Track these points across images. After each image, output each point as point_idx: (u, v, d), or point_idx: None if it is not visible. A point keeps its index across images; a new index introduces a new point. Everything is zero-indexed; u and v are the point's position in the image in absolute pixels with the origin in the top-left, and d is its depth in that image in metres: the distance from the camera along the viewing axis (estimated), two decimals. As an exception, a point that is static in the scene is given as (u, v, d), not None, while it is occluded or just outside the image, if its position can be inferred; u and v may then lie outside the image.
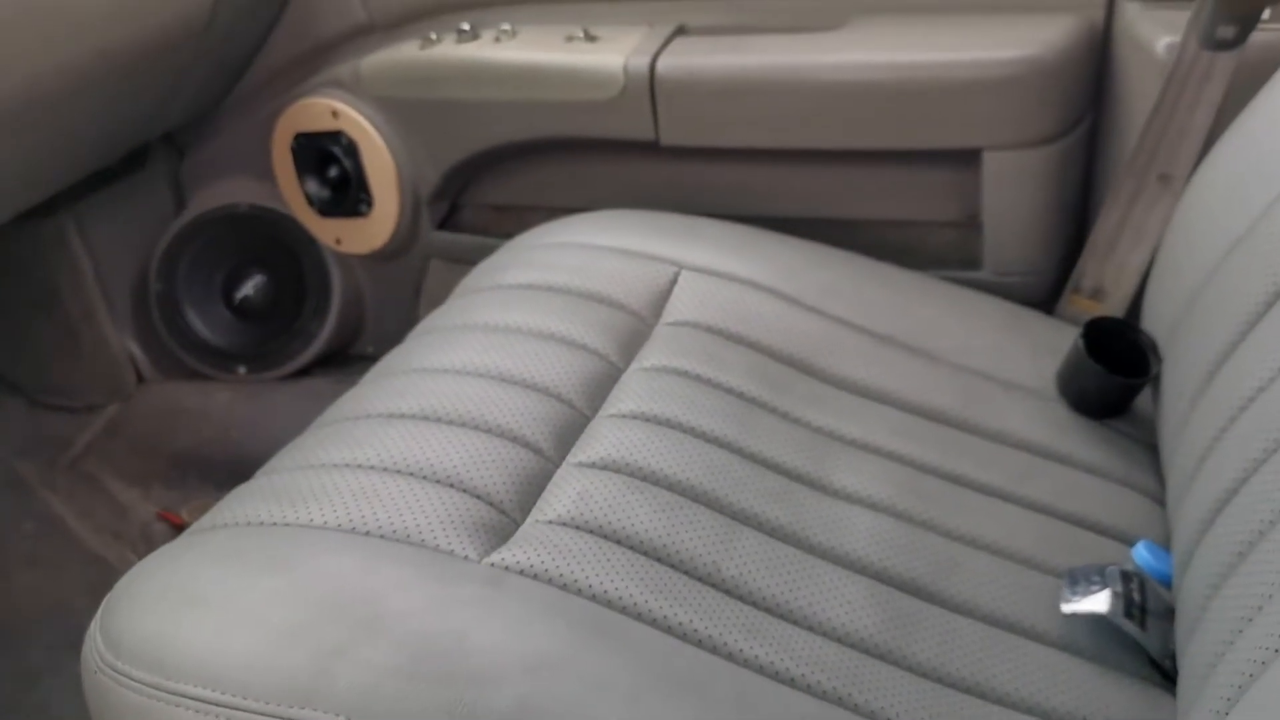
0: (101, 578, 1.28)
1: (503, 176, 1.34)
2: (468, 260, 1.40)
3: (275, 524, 0.70)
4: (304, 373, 1.50)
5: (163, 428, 1.44)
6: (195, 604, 0.63)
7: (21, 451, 1.42)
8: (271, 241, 1.48)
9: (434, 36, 1.28)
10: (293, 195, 1.42)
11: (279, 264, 1.49)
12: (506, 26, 1.25)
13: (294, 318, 1.49)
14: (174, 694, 0.58)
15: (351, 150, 1.35)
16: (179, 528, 1.33)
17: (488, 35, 1.25)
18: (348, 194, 1.39)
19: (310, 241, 1.45)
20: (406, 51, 1.28)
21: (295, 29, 1.36)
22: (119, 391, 1.48)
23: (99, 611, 0.66)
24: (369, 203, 1.38)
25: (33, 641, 1.19)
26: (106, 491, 1.38)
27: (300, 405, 1.45)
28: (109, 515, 1.35)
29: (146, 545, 1.32)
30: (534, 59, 1.20)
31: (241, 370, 1.49)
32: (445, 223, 1.41)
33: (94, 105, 1.10)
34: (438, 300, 1.45)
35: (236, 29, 1.27)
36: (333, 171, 1.39)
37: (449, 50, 1.25)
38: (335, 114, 1.33)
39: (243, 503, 0.73)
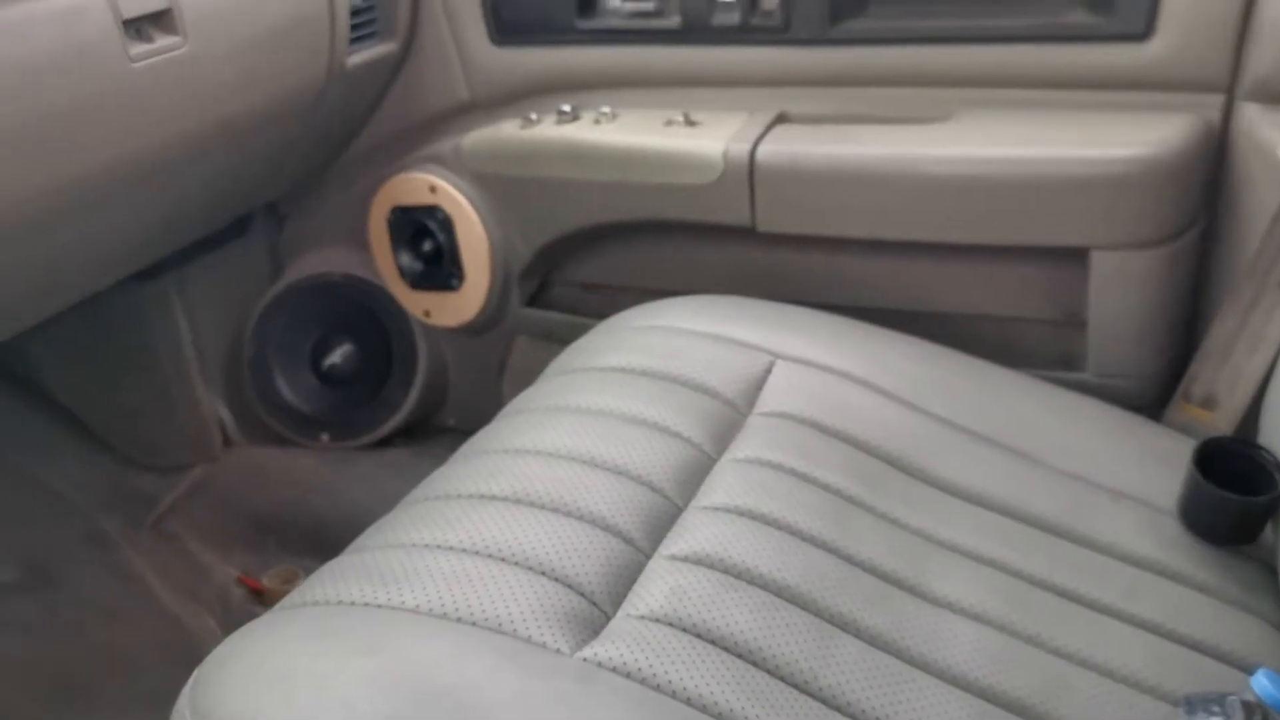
0: (177, 638, 1.29)
1: (594, 256, 1.35)
2: (554, 338, 1.40)
3: (366, 604, 0.69)
4: (385, 442, 1.50)
5: (246, 491, 1.45)
6: (285, 683, 0.62)
7: (107, 507, 1.43)
8: (362, 311, 1.49)
9: (534, 116, 1.29)
10: (386, 267, 1.44)
11: (367, 333, 1.51)
12: (606, 109, 1.26)
13: (379, 387, 1.50)
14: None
15: (447, 225, 1.36)
16: (258, 592, 1.33)
17: (588, 117, 1.27)
18: (440, 267, 1.40)
19: (399, 313, 1.47)
20: (507, 130, 1.30)
21: (399, 105, 1.39)
22: (206, 453, 1.50)
23: (190, 683, 0.65)
24: (460, 277, 1.39)
25: (104, 698, 1.19)
26: (188, 552, 1.39)
27: (381, 475, 1.46)
28: (188, 575, 1.36)
29: (224, 608, 1.32)
30: (633, 142, 1.21)
31: (325, 437, 1.50)
32: (533, 299, 1.41)
33: (208, 173, 1.13)
34: (521, 376, 1.46)
35: (345, 102, 1.30)
36: (426, 245, 1.41)
37: (549, 130, 1.27)
38: (433, 189, 1.36)
39: (334, 580, 0.72)
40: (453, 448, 1.50)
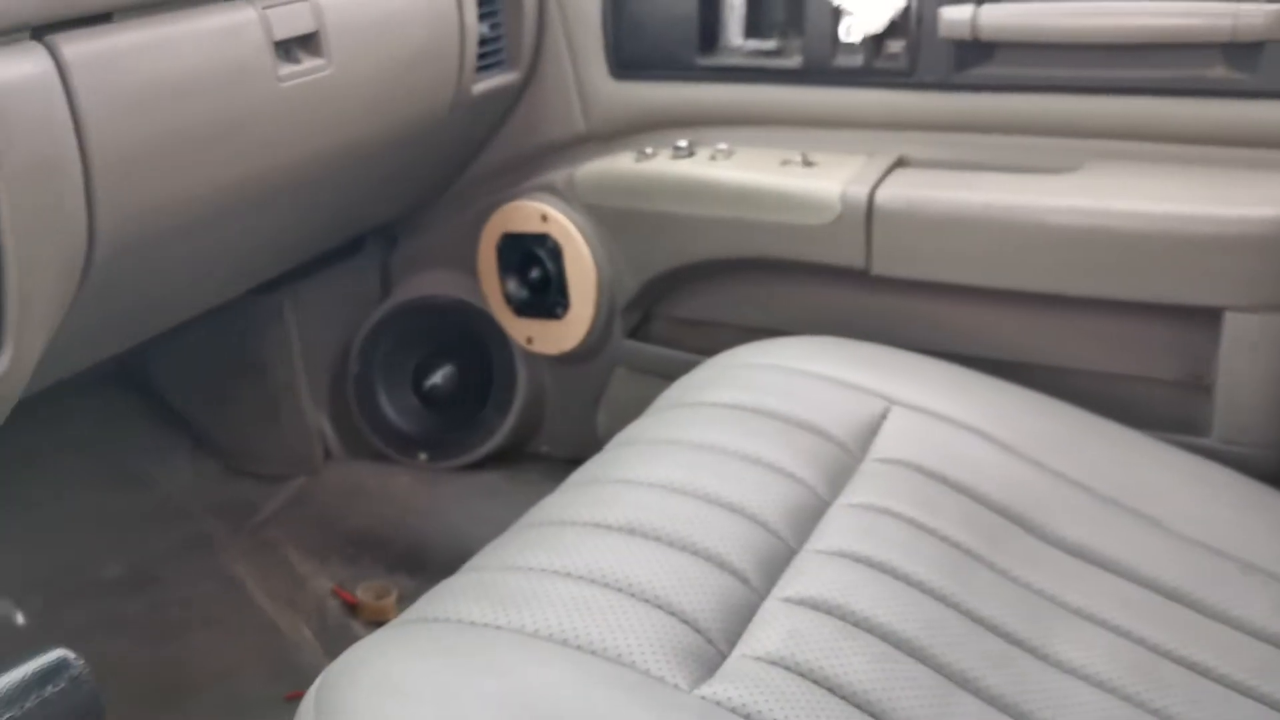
0: (273, 645, 1.30)
1: (699, 292, 1.35)
2: (654, 371, 1.40)
3: (486, 625, 0.69)
4: (479, 465, 1.51)
5: (344, 505, 1.47)
6: (409, 700, 0.62)
7: (212, 512, 1.47)
8: (465, 334, 1.51)
9: (649, 151, 1.30)
10: (492, 292, 1.46)
11: (469, 357, 1.52)
12: (723, 146, 1.27)
13: (477, 410, 1.52)
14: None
15: (555, 254, 1.38)
16: (351, 606, 1.35)
17: (703, 153, 1.27)
18: (545, 296, 1.41)
19: (502, 338, 1.48)
20: (622, 163, 1.31)
21: (516, 134, 1.41)
22: (307, 465, 1.53)
23: (315, 689, 0.66)
24: (565, 306, 1.40)
25: (201, 703, 1.21)
26: (286, 561, 1.41)
27: (475, 497, 1.47)
28: (286, 584, 1.38)
29: (319, 618, 1.33)
30: (749, 179, 1.21)
31: (423, 456, 1.52)
32: (636, 332, 1.42)
33: (335, 191, 1.16)
34: (618, 407, 1.46)
35: (466, 129, 1.33)
36: (534, 273, 1.42)
37: (664, 165, 1.28)
38: (544, 217, 1.37)
39: (453, 599, 0.73)
40: (546, 475, 1.51)
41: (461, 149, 1.39)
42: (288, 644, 1.30)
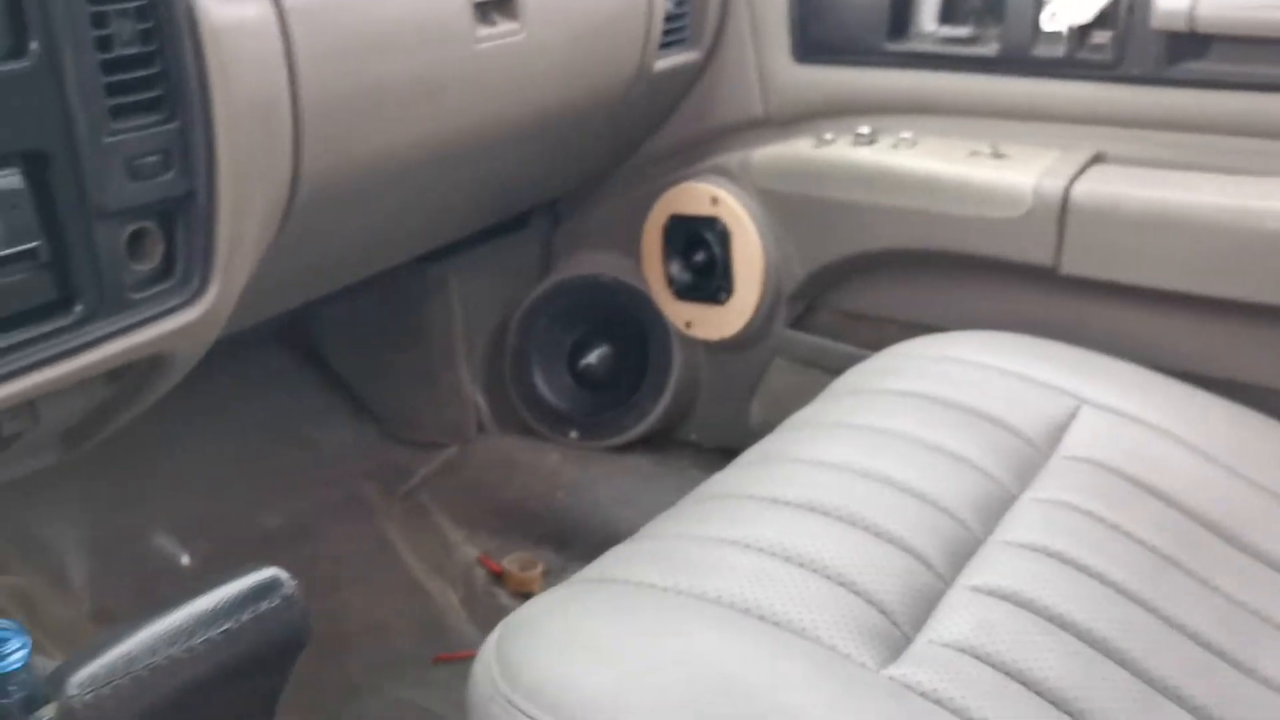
0: (421, 607, 1.32)
1: (870, 284, 1.32)
2: (816, 364, 1.38)
3: (666, 588, 0.68)
4: (627, 448, 1.51)
5: (494, 477, 1.48)
6: (592, 654, 0.62)
7: (367, 475, 1.50)
8: (623, 315, 1.51)
9: (829, 137, 1.28)
10: (654, 274, 1.45)
11: (625, 338, 1.52)
12: (907, 134, 1.23)
13: (630, 392, 1.51)
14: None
15: (724, 238, 1.36)
16: (497, 575, 1.36)
17: (886, 141, 1.24)
18: (709, 280, 1.40)
19: (660, 321, 1.48)
20: (800, 148, 1.29)
21: (691, 115, 1.40)
22: (460, 435, 1.55)
23: (494, 640, 0.66)
24: (729, 291, 1.39)
25: (354, 657, 1.24)
26: (436, 527, 1.43)
27: (624, 478, 1.46)
28: (435, 549, 1.40)
29: (466, 585, 1.35)
30: (935, 169, 1.18)
31: (573, 434, 1.52)
32: (798, 322, 1.39)
33: (515, 161, 1.17)
34: (774, 399, 1.44)
35: (644, 106, 1.33)
36: (699, 256, 1.41)
37: (844, 151, 1.25)
38: (715, 200, 1.36)
39: (631, 563, 0.72)
40: (695, 462, 1.50)
41: (636, 127, 1.39)
42: (434, 607, 1.32)
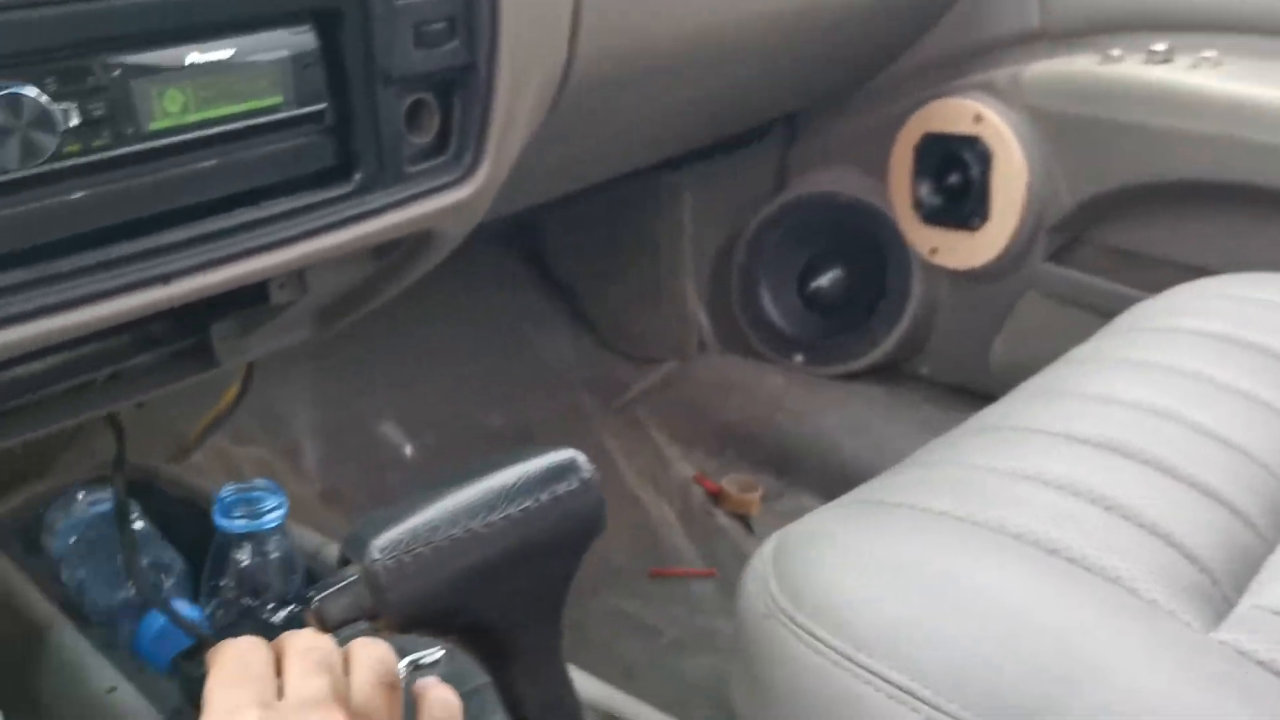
0: (637, 519, 1.31)
1: (1148, 218, 1.20)
2: (1074, 301, 1.27)
3: (962, 518, 0.62)
4: (855, 376, 1.44)
5: (713, 396, 1.45)
6: (884, 577, 0.57)
7: (585, 385, 1.49)
8: (861, 238, 1.44)
9: (1116, 53, 1.16)
10: (899, 195, 1.37)
11: (861, 262, 1.45)
12: (1209, 54, 1.11)
13: (863, 319, 1.44)
14: (866, 670, 0.52)
15: (984, 159, 1.27)
16: (714, 495, 1.32)
17: (1183, 60, 1.12)
18: (962, 204, 1.31)
19: (901, 246, 1.40)
20: (1081, 65, 1.18)
21: (957, 26, 1.30)
22: (680, 352, 1.52)
23: (769, 551, 0.61)
24: (983, 217, 1.29)
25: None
26: (652, 441, 1.41)
27: (852, 406, 1.40)
28: (651, 463, 1.38)
29: (682, 502, 1.32)
30: (1245, 93, 1.05)
31: (798, 359, 1.47)
32: (1058, 256, 1.29)
33: (767, 65, 1.11)
34: (1022, 336, 1.34)
35: (905, 14, 1.24)
36: (953, 178, 1.32)
37: (1135, 70, 1.13)
38: (978, 118, 1.26)
39: (914, 488, 0.66)
40: (926, 397, 1.42)
41: (894, 37, 1.30)
42: (650, 521, 1.30)
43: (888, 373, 1.45)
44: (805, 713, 0.54)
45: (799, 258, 1.49)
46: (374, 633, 0.49)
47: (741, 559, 1.24)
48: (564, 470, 0.49)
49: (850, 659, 0.52)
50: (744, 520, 1.28)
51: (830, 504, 0.66)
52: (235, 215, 0.67)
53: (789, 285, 1.50)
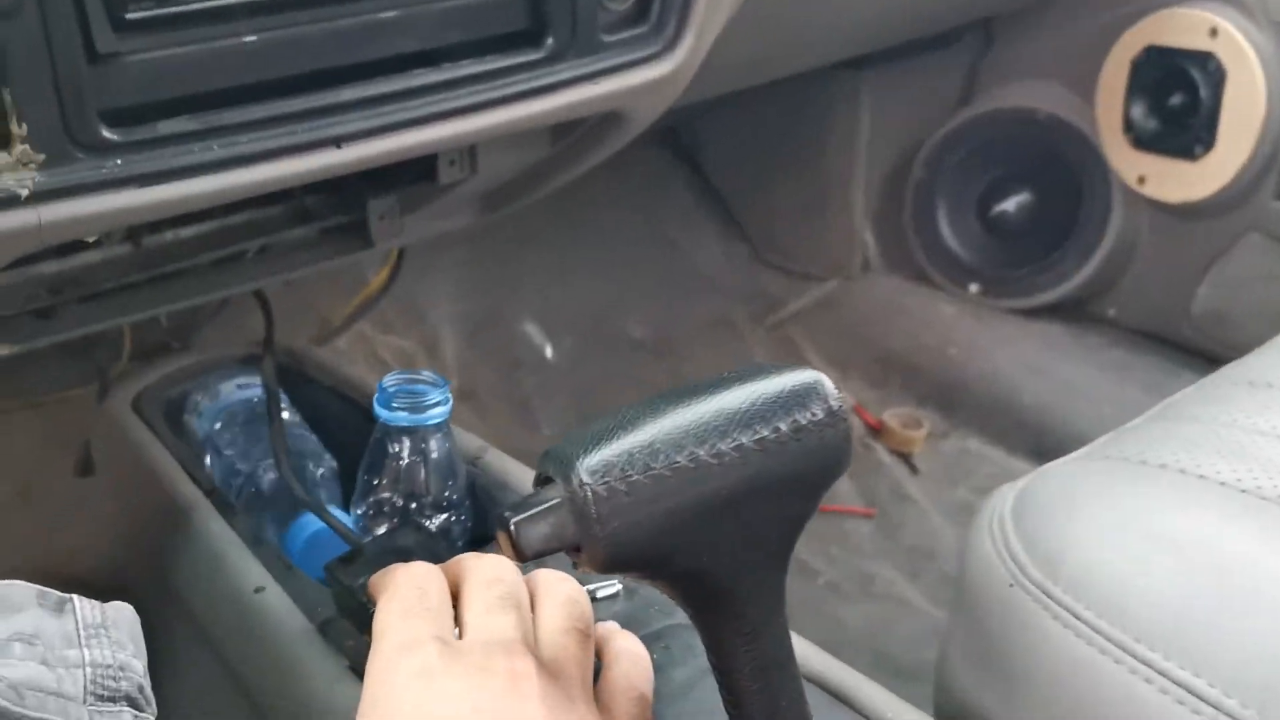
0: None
1: None
2: (1306, 247, 1.13)
3: (1240, 489, 0.52)
4: (1034, 313, 1.32)
5: (877, 321, 1.34)
6: (1162, 557, 0.47)
7: (736, 297, 1.40)
8: (1055, 160, 1.30)
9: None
10: (1108, 115, 1.23)
11: (1053, 187, 1.32)
12: None
13: (1050, 251, 1.31)
14: (1148, 665, 0.43)
15: (1216, 79, 1.12)
16: (874, 429, 1.23)
17: None
18: (1183, 129, 1.17)
19: (1102, 171, 1.26)
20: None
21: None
22: (841, 270, 1.41)
23: (1005, 510, 0.52)
24: (1208, 145, 1.15)
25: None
26: (806, 363, 1.31)
27: (1029, 345, 1.28)
28: (805, 388, 1.28)
29: (841, 433, 1.23)
30: None
31: (973, 288, 1.35)
32: (1291, 194, 1.14)
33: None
34: (1238, 282, 1.19)
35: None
36: (1174, 99, 1.17)
37: None
38: (1214, 32, 1.11)
39: (1166, 444, 0.56)
40: (1114, 341, 1.29)
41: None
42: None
43: (1069, 311, 1.33)
44: (1061, 700, 0.45)
45: (982, 178, 1.36)
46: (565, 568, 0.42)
47: (903, 500, 1.16)
48: (807, 395, 0.41)
49: (1129, 651, 0.43)
50: (906, 459, 1.19)
51: (1071, 457, 0.57)
52: (413, 76, 0.59)
53: (969, 207, 1.37)
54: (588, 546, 0.39)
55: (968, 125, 1.35)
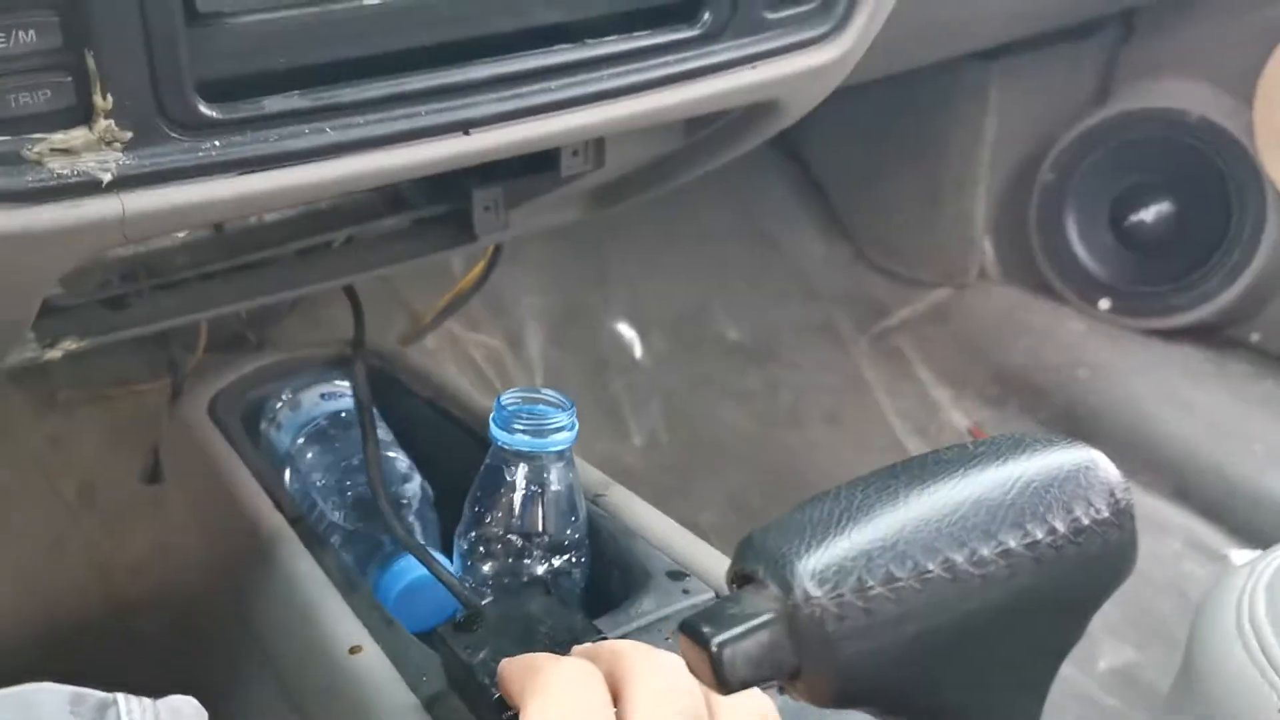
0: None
1: None
2: None
3: None
4: (1171, 335, 1.20)
5: (996, 335, 1.24)
6: None
7: (838, 301, 1.30)
8: (1201, 167, 1.18)
9: None
10: (1268, 119, 1.11)
11: (1198, 197, 1.20)
12: None
13: (1192, 267, 1.20)
14: None
15: (1405, 83, 1.00)
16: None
17: None
18: (1358, 139, 1.05)
19: (1256, 181, 1.14)
20: None
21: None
22: (956, 278, 1.31)
23: (1256, 586, 0.43)
24: (1388, 158, 1.03)
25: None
26: (915, 378, 1.22)
27: (1165, 371, 1.17)
28: (915, 406, 1.19)
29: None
30: None
31: (1104, 304, 1.24)
32: None
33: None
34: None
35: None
36: (1350, 104, 1.06)
37: None
38: (1407, 31, 0.99)
39: None
40: (1259, 371, 1.17)
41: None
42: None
43: (1207, 335, 1.21)
44: None
45: (1117, 184, 1.25)
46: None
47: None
48: (1086, 483, 0.32)
49: None
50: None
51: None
52: (553, 53, 0.50)
53: (1101, 215, 1.26)
54: (811, 676, 0.30)
55: (1106, 125, 1.23)
